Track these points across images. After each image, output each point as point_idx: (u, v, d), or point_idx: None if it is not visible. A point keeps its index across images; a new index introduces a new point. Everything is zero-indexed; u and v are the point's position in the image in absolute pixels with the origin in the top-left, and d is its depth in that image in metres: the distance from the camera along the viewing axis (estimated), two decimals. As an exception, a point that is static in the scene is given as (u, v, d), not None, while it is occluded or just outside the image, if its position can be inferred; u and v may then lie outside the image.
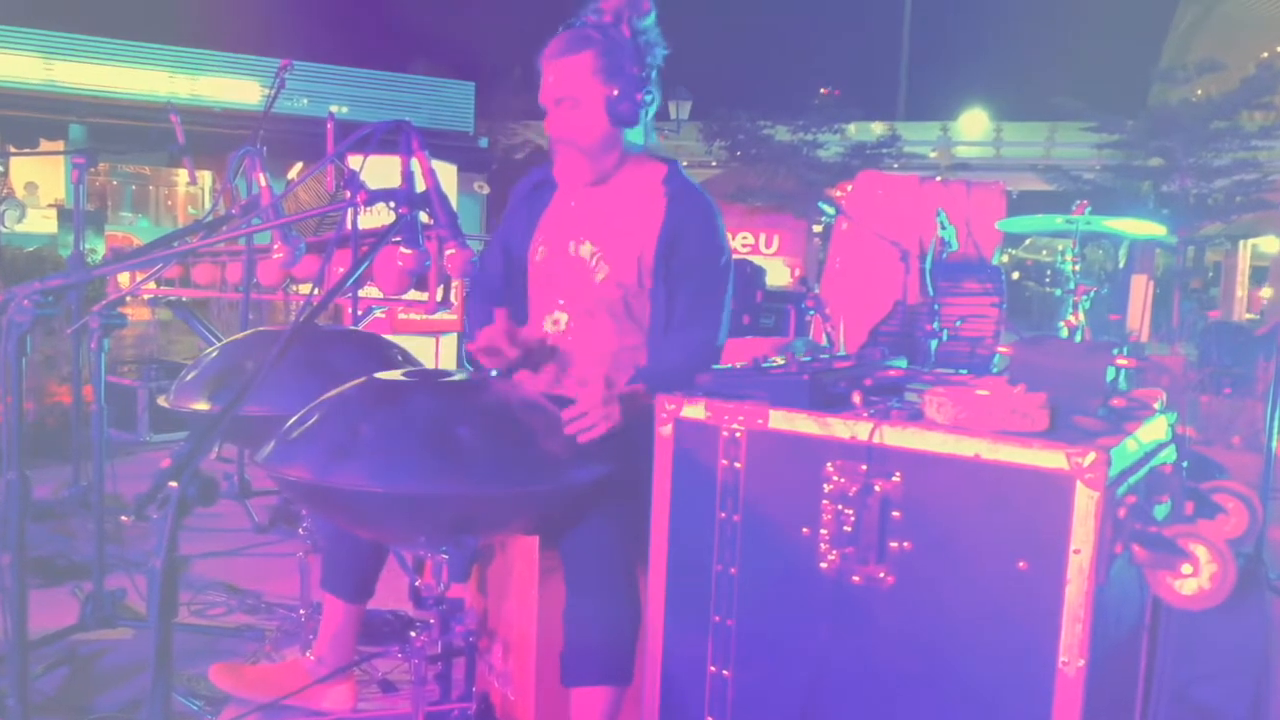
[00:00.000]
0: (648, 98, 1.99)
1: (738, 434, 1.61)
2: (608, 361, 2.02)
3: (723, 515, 1.63)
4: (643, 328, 2.03)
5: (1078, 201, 4.02)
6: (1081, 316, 3.94)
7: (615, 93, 1.96)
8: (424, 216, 1.65)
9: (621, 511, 1.78)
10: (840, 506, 1.52)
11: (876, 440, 1.48)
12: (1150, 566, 1.45)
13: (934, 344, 4.16)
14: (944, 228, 4.42)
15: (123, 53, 13.57)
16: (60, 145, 12.96)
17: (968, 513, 1.43)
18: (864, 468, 1.50)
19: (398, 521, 1.56)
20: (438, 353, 5.98)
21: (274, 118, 3.85)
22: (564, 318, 2.06)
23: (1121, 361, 1.58)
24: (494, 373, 1.97)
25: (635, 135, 2.04)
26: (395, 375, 1.70)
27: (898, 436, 1.48)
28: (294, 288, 4.18)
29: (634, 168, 2.06)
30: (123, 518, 3.44)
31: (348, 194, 1.63)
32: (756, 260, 7.67)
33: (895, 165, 16.57)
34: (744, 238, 13.21)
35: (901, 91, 23.42)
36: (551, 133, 2.02)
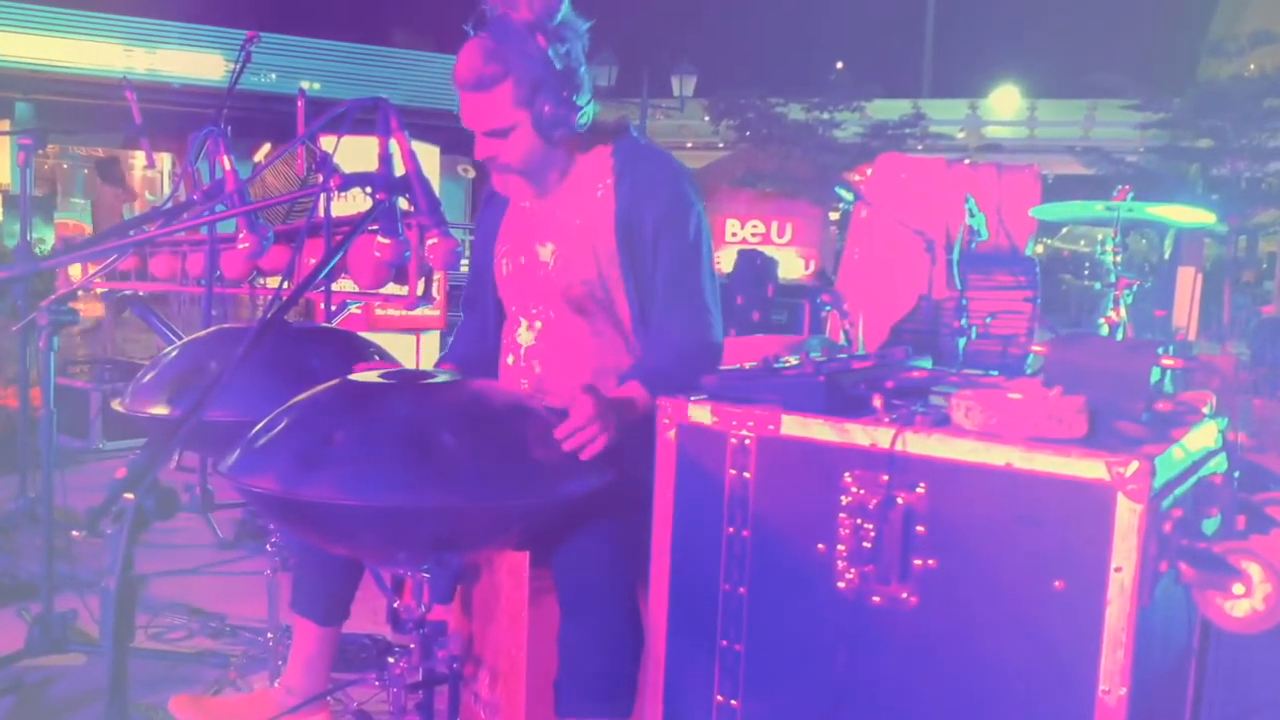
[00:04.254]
0: (576, 111, 1.94)
1: (747, 441, 1.61)
2: (587, 367, 2.02)
3: (730, 530, 1.64)
4: (622, 329, 2.03)
5: (1119, 186, 4.02)
6: (1123, 312, 3.95)
7: (545, 113, 1.91)
8: (403, 203, 1.66)
9: (620, 526, 1.78)
10: (859, 520, 1.52)
11: (899, 448, 1.48)
12: (1198, 586, 1.45)
13: (962, 342, 4.16)
14: (973, 215, 4.42)
15: (73, 23, 13.58)
16: (5, 125, 12.97)
17: (999, 527, 1.43)
18: (885, 478, 1.50)
19: (374, 537, 1.56)
20: (418, 352, 5.99)
21: (239, 95, 3.84)
22: (539, 325, 2.07)
23: (1167, 362, 1.59)
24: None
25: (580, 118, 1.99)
26: (372, 377, 1.70)
27: (922, 444, 1.48)
28: (261, 281, 4.18)
29: (580, 154, 2.03)
30: (74, 533, 3.45)
31: (320, 178, 1.63)
32: (768, 251, 7.67)
33: (919, 147, 16.58)
34: (754, 226, 13.20)
35: (926, 66, 23.44)
36: (482, 156, 1.99)
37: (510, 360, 2.11)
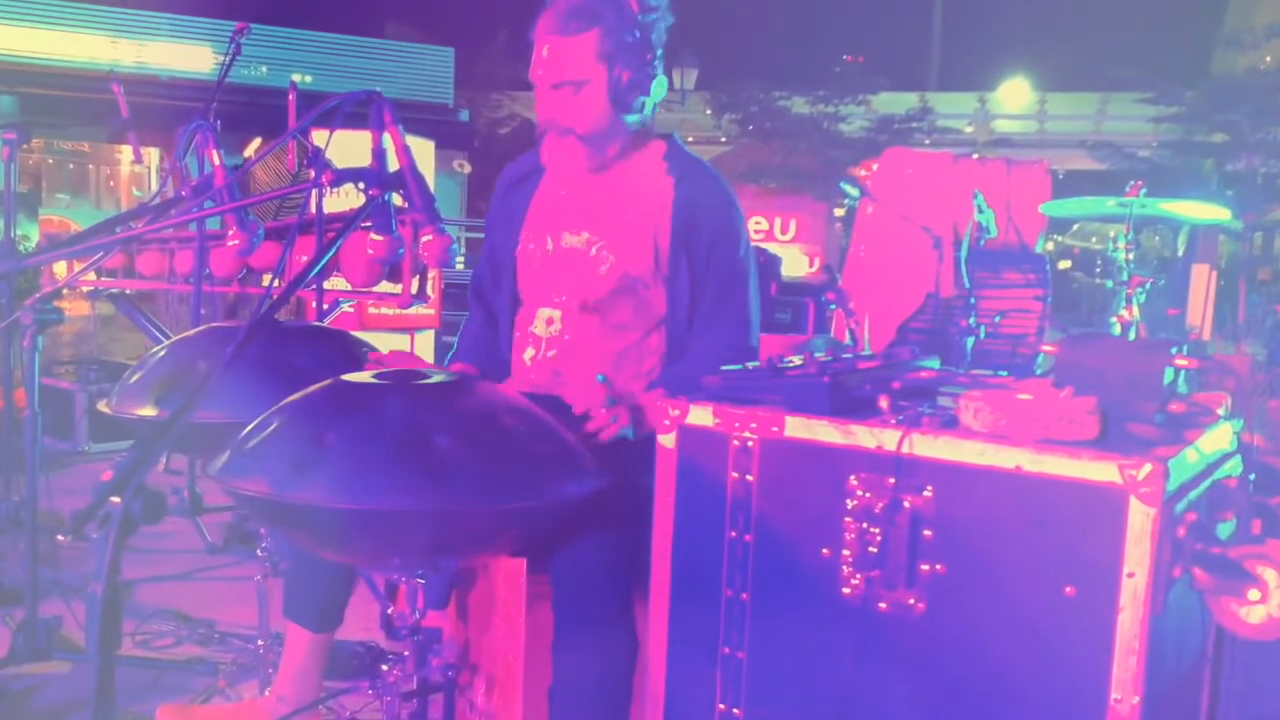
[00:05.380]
0: (657, 86, 2.01)
1: (749, 443, 1.61)
2: (608, 360, 2.03)
3: (733, 534, 1.63)
4: (648, 323, 2.04)
5: (1132, 182, 4.02)
6: (1136, 311, 3.94)
7: (624, 78, 1.96)
8: (397, 199, 1.66)
9: (619, 530, 1.78)
10: (865, 525, 1.52)
11: (906, 450, 1.48)
12: (1213, 592, 1.45)
13: (970, 342, 4.17)
14: (981, 211, 4.42)
15: (59, 14, 13.57)
16: (-11, 119, 12.96)
17: (1008, 532, 1.43)
18: (891, 481, 1.50)
19: (368, 542, 1.56)
20: (413, 351, 5.99)
21: (229, 88, 3.84)
22: (558, 315, 2.07)
23: (1181, 362, 1.58)
24: None
25: (635, 115, 2.05)
26: (365, 377, 1.70)
27: (929, 446, 1.48)
28: (251, 279, 4.18)
29: (636, 144, 2.08)
30: (59, 537, 3.44)
31: (311, 174, 1.63)
32: (771, 248, 7.67)
33: (927, 141, 16.57)
34: (757, 222, 13.22)
35: (934, 58, 23.42)
36: (545, 117, 2.01)
37: (529, 353, 2.11)
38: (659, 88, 2.04)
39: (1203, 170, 15.23)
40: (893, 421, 1.53)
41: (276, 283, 2.16)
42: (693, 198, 2.02)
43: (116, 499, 1.15)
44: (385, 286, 3.75)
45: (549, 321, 2.09)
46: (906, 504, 1.49)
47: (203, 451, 1.99)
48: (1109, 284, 4.37)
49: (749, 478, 1.61)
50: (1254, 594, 1.42)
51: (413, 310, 4.75)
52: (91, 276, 4.38)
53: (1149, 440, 1.46)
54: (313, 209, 3.58)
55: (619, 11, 1.94)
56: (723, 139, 18.00)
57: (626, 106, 1.99)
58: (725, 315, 2.03)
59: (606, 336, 2.04)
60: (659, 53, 2.01)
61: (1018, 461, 1.42)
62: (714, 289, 2.02)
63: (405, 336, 5.92)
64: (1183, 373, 1.60)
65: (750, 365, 1.90)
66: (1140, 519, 1.34)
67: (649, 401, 1.85)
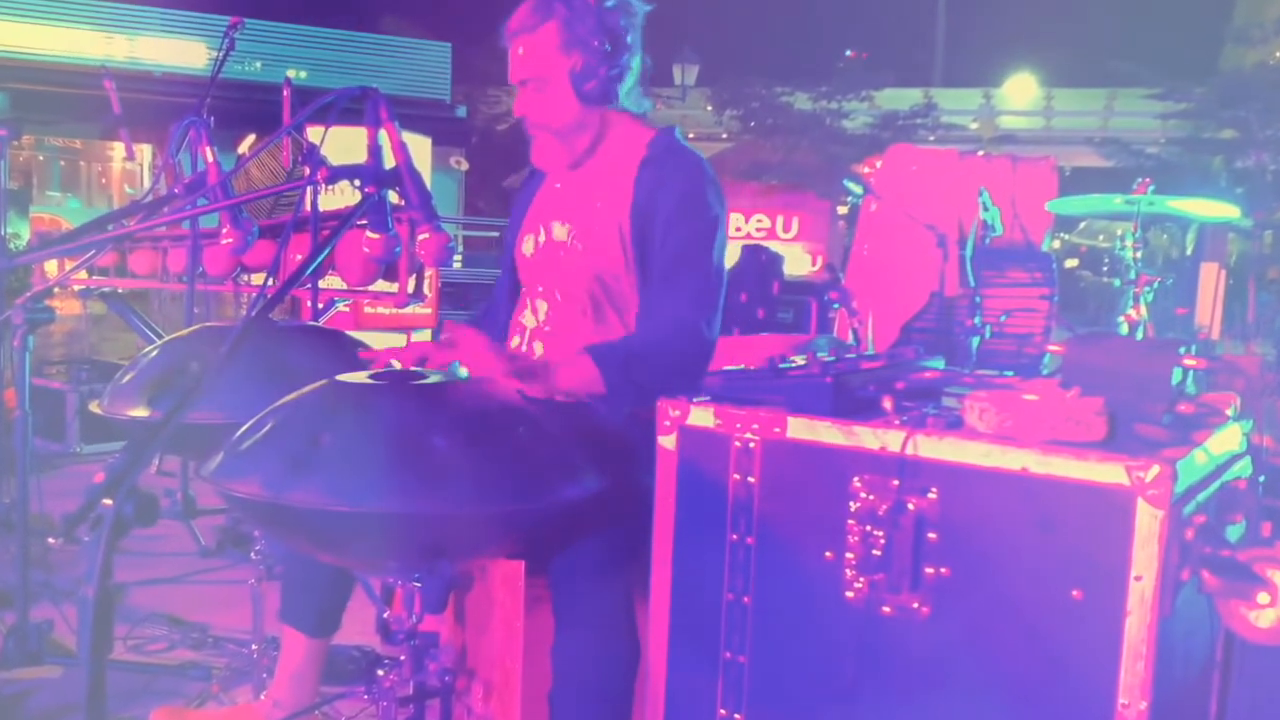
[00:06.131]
0: (614, 72, 2.02)
1: (751, 444, 1.61)
2: None
3: (734, 537, 1.63)
4: (625, 316, 2.04)
5: (1139, 179, 4.02)
6: (1144, 310, 3.95)
7: (579, 68, 1.99)
8: (393, 196, 1.66)
9: (618, 533, 1.78)
10: (868, 527, 1.52)
11: (910, 452, 1.48)
12: (1222, 595, 1.45)
13: (975, 341, 4.17)
14: (986, 209, 4.43)
15: (50, 9, 13.58)
16: (-22, 115, 12.94)
17: (1014, 534, 1.43)
18: (895, 483, 1.50)
19: (364, 544, 1.56)
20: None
21: (222, 84, 3.85)
22: (543, 306, 2.10)
23: (1189, 362, 1.58)
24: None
25: (623, 103, 2.06)
26: (360, 377, 1.70)
27: (934, 447, 1.48)
28: (245, 278, 4.18)
29: (617, 140, 2.08)
30: (50, 540, 3.43)
31: (306, 171, 1.63)
32: (773, 246, 7.68)
33: (931, 138, 16.59)
34: (759, 220, 13.20)
35: (938, 53, 23.43)
36: (518, 114, 2.08)
37: (515, 341, 2.14)
38: (628, 76, 2.04)
39: (1211, 167, 15.23)
40: (896, 422, 1.53)
41: (271, 282, 2.15)
42: (652, 183, 2.01)
43: (108, 501, 1.15)
44: (381, 285, 3.75)
45: (534, 312, 2.11)
46: (910, 506, 1.49)
47: (196, 453, 1.99)
48: (1116, 283, 4.38)
49: (750, 479, 1.62)
50: (1263, 597, 1.42)
51: (409, 309, 4.74)
52: (83, 275, 4.37)
53: (1157, 442, 1.46)
54: (308, 207, 3.58)
55: (573, 8, 1.97)
56: (724, 135, 18.01)
57: (589, 98, 2.01)
58: (673, 295, 1.96)
59: (584, 329, 2.04)
60: (628, 40, 2.02)
61: (1024, 463, 1.42)
62: (663, 267, 1.98)
63: (402, 336, 5.92)
64: (1191, 373, 1.60)
65: (694, 354, 1.92)
66: (1148, 521, 1.34)
67: (571, 363, 1.89)
